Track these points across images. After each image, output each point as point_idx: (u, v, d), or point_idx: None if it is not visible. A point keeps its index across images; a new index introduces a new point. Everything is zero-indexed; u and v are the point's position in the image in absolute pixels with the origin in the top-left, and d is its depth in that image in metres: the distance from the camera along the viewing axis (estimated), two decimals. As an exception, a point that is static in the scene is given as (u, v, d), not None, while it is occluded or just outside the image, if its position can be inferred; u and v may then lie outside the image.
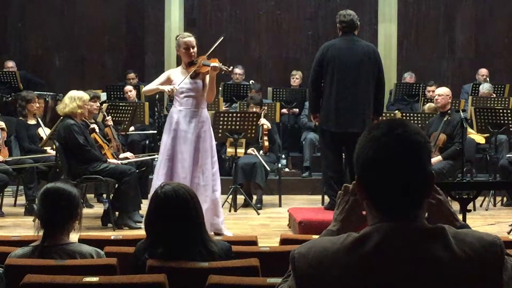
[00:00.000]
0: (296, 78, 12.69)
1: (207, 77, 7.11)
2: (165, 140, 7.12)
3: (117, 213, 7.98)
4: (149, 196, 3.86)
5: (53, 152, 8.83)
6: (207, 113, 7.33)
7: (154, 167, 10.04)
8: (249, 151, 9.68)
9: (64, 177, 7.93)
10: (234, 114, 9.42)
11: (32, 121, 9.50)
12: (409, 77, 12.92)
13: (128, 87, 12.04)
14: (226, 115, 9.43)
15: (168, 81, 7.19)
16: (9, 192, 9.69)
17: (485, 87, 11.58)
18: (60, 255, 3.59)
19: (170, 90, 7.03)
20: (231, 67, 7.56)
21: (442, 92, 9.32)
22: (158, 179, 6.90)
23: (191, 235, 3.49)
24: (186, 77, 7.07)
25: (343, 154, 7.64)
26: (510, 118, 9.48)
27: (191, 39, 7.16)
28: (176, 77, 7.14)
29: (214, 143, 7.35)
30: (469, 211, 5.67)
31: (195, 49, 7.16)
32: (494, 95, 11.54)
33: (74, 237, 3.95)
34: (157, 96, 12.51)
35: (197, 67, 7.08)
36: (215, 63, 7.05)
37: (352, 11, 7.66)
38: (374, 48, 7.88)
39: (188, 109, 7.09)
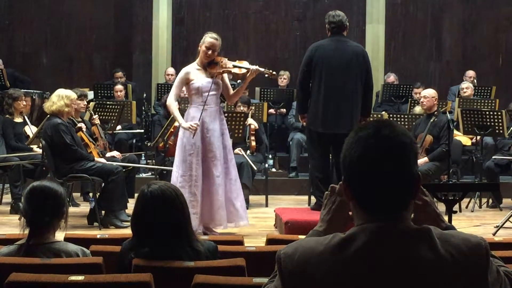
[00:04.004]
0: (284, 79, 12.69)
1: (225, 77, 7.28)
2: (194, 141, 7.10)
3: (103, 212, 7.96)
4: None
5: (40, 151, 8.79)
6: None
7: (140, 167, 10.08)
8: (236, 151, 9.66)
9: (51, 175, 7.91)
10: (222, 114, 9.40)
11: (18, 119, 9.46)
12: (388, 79, 12.92)
13: (119, 87, 11.98)
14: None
15: (187, 82, 7.21)
16: (-5, 190, 9.64)
17: (464, 85, 11.58)
18: (46, 253, 3.58)
19: (188, 128, 7.03)
20: (272, 70, 7.51)
21: (427, 94, 9.33)
22: (193, 180, 7.01)
23: (177, 234, 3.49)
24: (212, 81, 7.17)
25: (330, 155, 7.65)
26: (496, 120, 9.52)
27: (216, 42, 7.22)
28: (195, 77, 7.20)
29: None
30: (455, 212, 5.68)
31: (215, 53, 7.21)
32: (471, 93, 11.55)
33: (59, 235, 3.94)
34: (145, 95, 12.50)
35: (225, 69, 7.17)
36: (254, 66, 7.25)
37: (341, 12, 7.68)
38: (362, 49, 7.90)
39: (212, 108, 7.19)
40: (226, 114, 9.36)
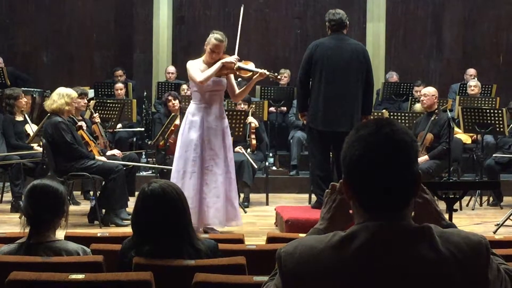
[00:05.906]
0: (284, 77, 12.69)
1: (231, 76, 7.25)
2: (193, 138, 7.10)
3: (103, 210, 7.96)
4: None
5: (40, 149, 8.79)
6: None
7: (141, 165, 10.07)
8: (237, 149, 9.66)
9: (51, 174, 7.91)
10: (222, 112, 9.39)
11: (19, 118, 9.46)
12: (390, 77, 12.92)
13: (120, 85, 12.01)
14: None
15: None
16: (-5, 189, 9.64)
17: (473, 83, 11.62)
18: (46, 252, 3.57)
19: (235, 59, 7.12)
20: (276, 74, 7.54)
21: (427, 92, 9.32)
22: (187, 177, 7.00)
23: (177, 233, 3.49)
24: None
25: (331, 153, 7.65)
26: (496, 118, 9.51)
27: (221, 44, 7.19)
28: None
29: None
30: (456, 210, 5.67)
31: (220, 54, 7.18)
32: (478, 91, 11.55)
33: (60, 234, 3.94)
34: (145, 93, 12.50)
35: (231, 70, 7.14)
36: (261, 70, 7.20)
37: (341, 10, 7.68)
38: (363, 47, 7.90)
39: (214, 106, 7.16)
40: (226, 112, 9.38)
